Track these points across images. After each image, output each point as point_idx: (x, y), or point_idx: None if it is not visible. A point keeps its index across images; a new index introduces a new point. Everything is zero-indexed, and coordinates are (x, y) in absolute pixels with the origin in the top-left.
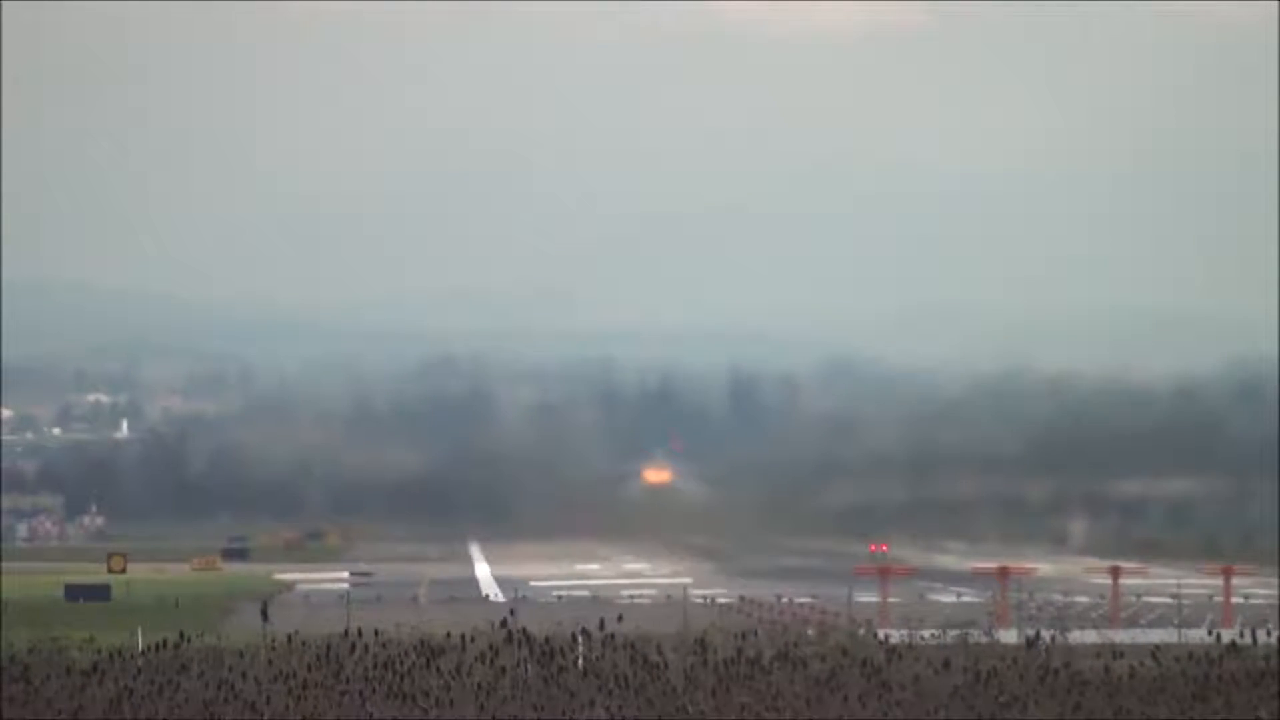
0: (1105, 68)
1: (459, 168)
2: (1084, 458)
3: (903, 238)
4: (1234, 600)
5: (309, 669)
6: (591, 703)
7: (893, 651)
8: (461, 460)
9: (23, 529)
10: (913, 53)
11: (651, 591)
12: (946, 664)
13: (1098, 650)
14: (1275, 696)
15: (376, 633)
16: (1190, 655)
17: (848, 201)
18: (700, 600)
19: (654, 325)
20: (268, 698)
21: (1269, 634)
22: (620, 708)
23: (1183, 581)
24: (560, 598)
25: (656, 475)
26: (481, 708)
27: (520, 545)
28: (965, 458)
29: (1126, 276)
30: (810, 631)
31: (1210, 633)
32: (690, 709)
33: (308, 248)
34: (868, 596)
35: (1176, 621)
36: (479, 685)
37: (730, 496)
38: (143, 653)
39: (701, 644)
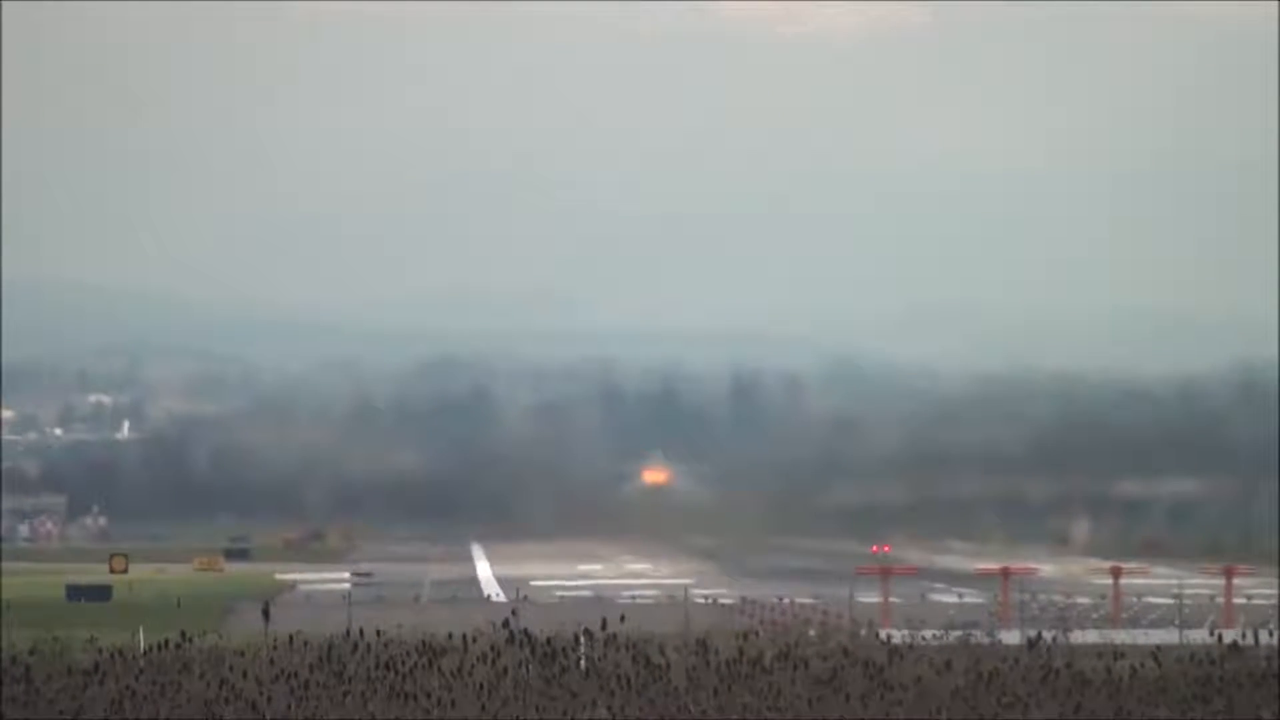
0: (1106, 68)
1: (460, 168)
2: (1086, 458)
3: (904, 238)
4: (1236, 601)
5: (310, 669)
6: (593, 703)
7: (894, 652)
8: (463, 460)
9: (24, 529)
10: (913, 53)
11: (653, 592)
12: (948, 664)
13: (1099, 651)
14: (1277, 698)
15: (378, 633)
16: (1192, 656)
17: (849, 201)
18: (702, 601)
19: (656, 325)
20: (269, 698)
21: (1271, 634)
22: (622, 708)
23: (1184, 582)
24: (562, 598)
25: (655, 476)
26: (483, 708)
27: (522, 545)
28: (967, 458)
29: (1129, 277)
30: (812, 632)
31: (1212, 633)
32: (692, 709)
33: (310, 248)
34: (869, 597)
35: (1178, 622)
36: (481, 685)
37: (732, 497)
38: (144, 653)
39: (703, 644)
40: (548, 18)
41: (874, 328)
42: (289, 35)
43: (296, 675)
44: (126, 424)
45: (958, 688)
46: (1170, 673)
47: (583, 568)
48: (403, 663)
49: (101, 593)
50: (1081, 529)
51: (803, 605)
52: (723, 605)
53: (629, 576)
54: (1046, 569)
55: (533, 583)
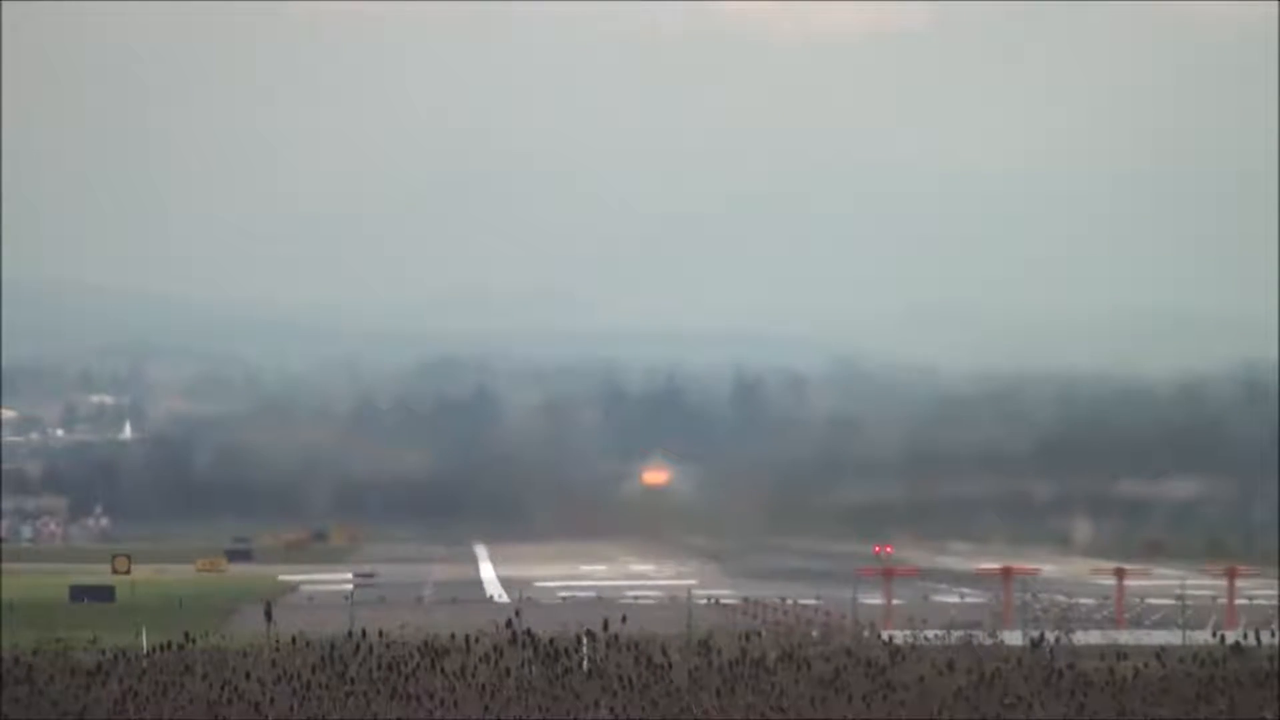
0: (1106, 68)
1: (461, 167)
2: (1088, 458)
3: (906, 237)
4: (1238, 601)
5: (313, 670)
6: (596, 703)
7: (897, 652)
8: (466, 461)
9: (27, 530)
10: (914, 53)
11: (656, 592)
12: (951, 665)
13: (1102, 651)
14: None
15: (381, 634)
16: (1195, 656)
17: (851, 201)
18: (704, 601)
19: (658, 325)
20: (272, 698)
21: (1273, 635)
22: (625, 708)
23: (1187, 582)
24: (565, 599)
25: (654, 477)
26: (486, 709)
27: (524, 546)
28: (969, 458)
29: (1131, 276)
30: (814, 632)
31: (1214, 634)
32: (695, 709)
33: (312, 248)
34: (872, 598)
35: (1181, 622)
36: (483, 686)
37: (734, 497)
38: (147, 654)
39: (706, 645)
40: (548, 18)
41: (875, 327)
42: (290, 35)
43: (299, 676)
44: (129, 425)
45: (960, 688)
46: (1173, 673)
47: (585, 568)
48: (405, 663)
49: (104, 593)
50: (1083, 529)
51: (805, 606)
52: (725, 606)
53: (631, 577)
54: (1049, 569)
55: (535, 583)
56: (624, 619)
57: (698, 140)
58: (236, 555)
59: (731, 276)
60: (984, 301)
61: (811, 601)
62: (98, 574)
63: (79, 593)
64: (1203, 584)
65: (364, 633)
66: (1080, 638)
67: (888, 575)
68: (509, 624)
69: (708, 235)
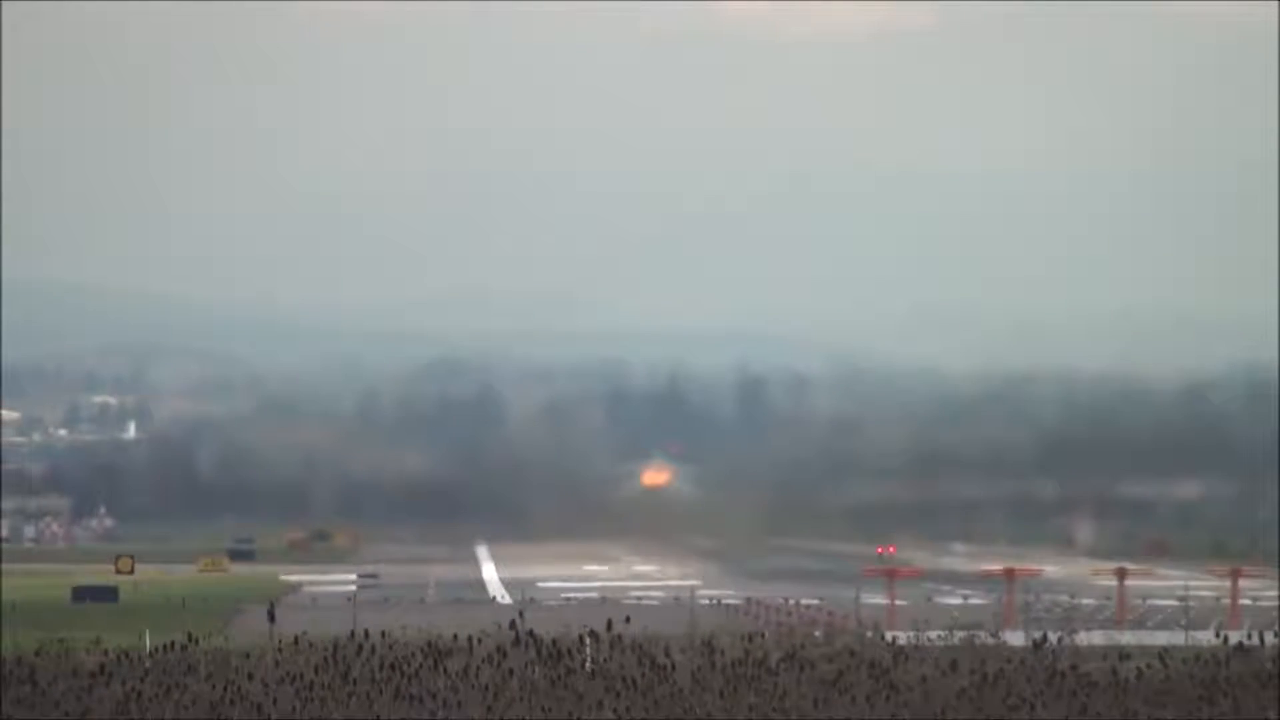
0: (1106, 68)
1: (465, 168)
2: (1091, 459)
3: (908, 237)
4: (1241, 602)
5: (316, 670)
6: (599, 704)
7: (900, 653)
8: (469, 461)
9: (30, 530)
10: (917, 54)
11: (659, 593)
12: (954, 665)
13: (1104, 652)
14: None
15: (384, 634)
16: (1198, 657)
17: (854, 201)
18: (707, 602)
19: (660, 325)
20: (275, 699)
21: (1277, 636)
22: (628, 709)
23: (1190, 583)
24: (568, 599)
25: (654, 477)
26: (489, 709)
27: (528, 547)
28: (972, 459)
29: (1133, 277)
30: (818, 633)
31: (1218, 634)
32: (698, 710)
33: (315, 248)
34: (875, 598)
35: (1184, 623)
36: (486, 687)
37: (737, 498)
38: (150, 654)
39: (709, 645)
40: (549, 18)
41: (878, 328)
42: (290, 35)
43: (302, 676)
44: (132, 425)
45: (963, 689)
46: (1176, 674)
47: (588, 569)
48: (408, 664)
49: (107, 594)
50: (1086, 530)
51: (808, 607)
52: (728, 606)
53: (634, 578)
54: (1051, 570)
55: (538, 584)
56: (627, 619)
57: (700, 140)
58: (239, 555)
59: (734, 276)
60: (986, 302)
61: (815, 602)
62: (100, 574)
63: (82, 593)
64: (1205, 585)
65: (367, 633)
66: (1083, 638)
67: (891, 576)
68: (512, 625)
69: (710, 235)
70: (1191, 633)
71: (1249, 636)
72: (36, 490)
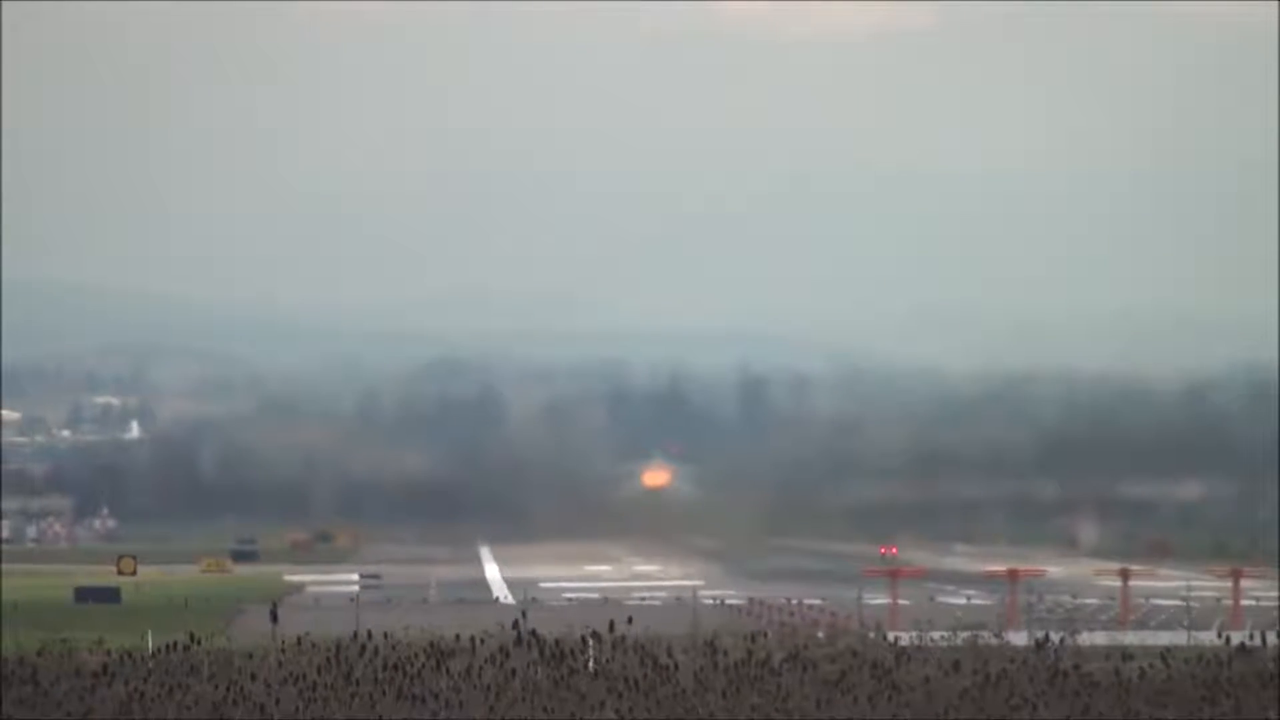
0: (1106, 68)
1: (466, 168)
2: (1093, 459)
3: (909, 237)
4: (1243, 602)
5: (319, 671)
6: (602, 704)
7: (902, 653)
8: (471, 462)
9: (32, 531)
10: (917, 54)
11: (661, 593)
12: (956, 666)
13: (1107, 652)
14: None
15: (386, 635)
16: (1200, 657)
17: (855, 201)
18: (710, 602)
19: (661, 326)
20: (277, 700)
21: (1278, 636)
22: (630, 710)
23: (1192, 583)
24: (570, 600)
25: (654, 478)
26: (491, 709)
27: (529, 547)
28: (974, 459)
29: (1133, 277)
30: (820, 633)
31: (1220, 635)
32: (701, 711)
33: (315, 248)
34: (877, 599)
35: (1186, 623)
36: (489, 687)
37: (739, 498)
38: (152, 655)
39: (712, 646)
40: (549, 17)
41: (878, 328)
42: (290, 35)
43: (305, 677)
44: (135, 425)
45: (966, 689)
46: (1178, 674)
47: (590, 569)
48: (411, 664)
49: (110, 594)
50: (1088, 530)
51: (811, 607)
52: (731, 607)
53: (636, 578)
54: (1053, 571)
55: (540, 584)
56: (630, 620)
57: (700, 140)
58: (241, 556)
59: (734, 276)
60: (986, 302)
61: (817, 602)
62: (103, 575)
63: (84, 594)
64: (1208, 585)
65: (369, 634)
66: (1085, 639)
67: (893, 576)
68: (514, 625)
69: (710, 235)
70: (1194, 633)
71: (1251, 637)
72: (38, 490)
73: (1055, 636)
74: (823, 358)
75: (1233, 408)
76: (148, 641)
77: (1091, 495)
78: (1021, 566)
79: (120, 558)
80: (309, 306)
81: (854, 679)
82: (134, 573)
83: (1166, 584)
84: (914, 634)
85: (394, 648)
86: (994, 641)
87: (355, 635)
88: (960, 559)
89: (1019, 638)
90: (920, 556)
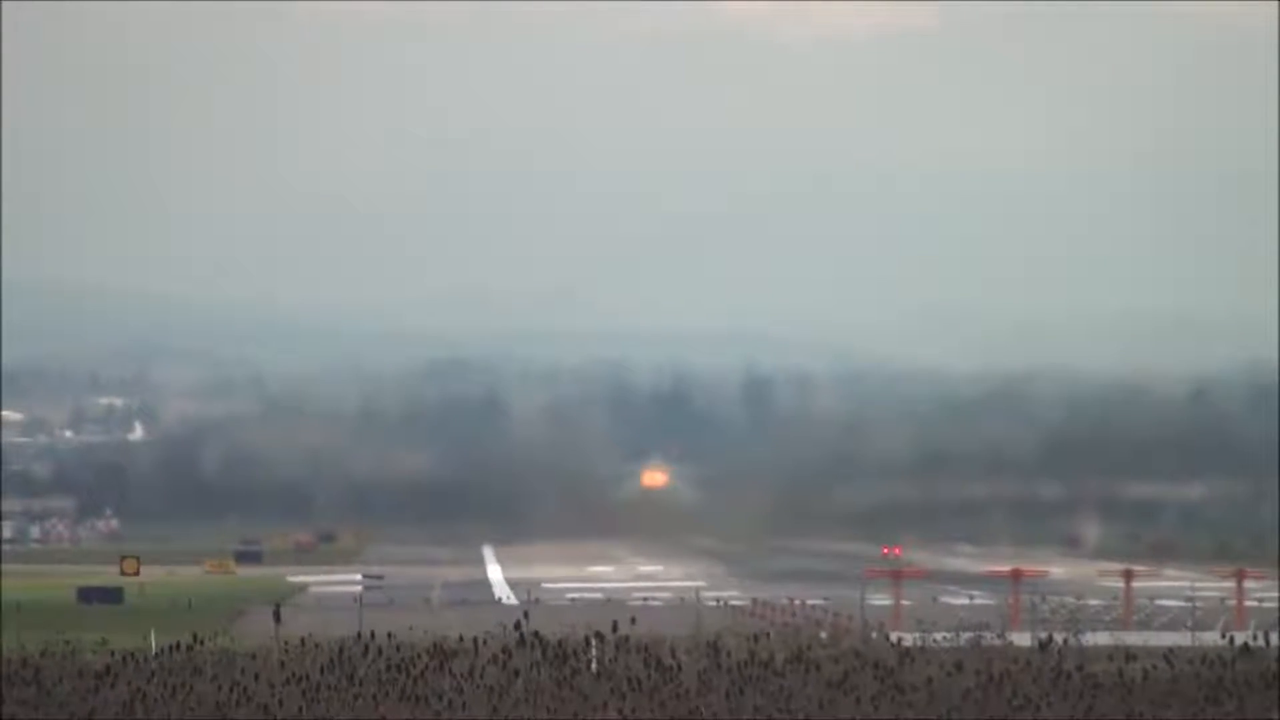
0: (1107, 68)
1: (469, 168)
2: (1096, 460)
3: (911, 238)
4: (1247, 603)
5: (322, 671)
6: (604, 705)
7: (905, 654)
8: (474, 462)
9: (35, 531)
10: (917, 54)
11: (664, 594)
12: (959, 666)
13: (1110, 653)
14: None
15: (389, 635)
16: (1203, 658)
17: (856, 202)
18: (713, 603)
19: (663, 326)
20: (280, 700)
21: None
22: (633, 710)
23: (1195, 584)
24: (573, 600)
25: (653, 478)
26: (494, 710)
27: (532, 547)
28: (976, 460)
29: (1134, 277)
30: (823, 634)
31: (1223, 635)
32: (704, 711)
33: (319, 249)
34: (880, 599)
35: (1189, 624)
36: (492, 687)
37: (742, 498)
38: (155, 655)
39: (715, 646)
40: (551, 18)
41: (881, 329)
42: (290, 35)
43: (308, 677)
44: (138, 426)
45: (969, 689)
46: (1182, 674)
47: (593, 570)
48: (414, 665)
49: (113, 595)
50: (1091, 531)
51: (814, 607)
52: (734, 607)
53: (639, 578)
54: (1056, 571)
55: (543, 585)
56: (633, 620)
57: (702, 140)
58: (245, 557)
59: (737, 277)
60: (988, 302)
61: (820, 603)
62: (106, 576)
63: (87, 594)
64: (1211, 585)
65: (373, 634)
66: (1088, 639)
67: (896, 577)
68: (517, 626)
69: (713, 236)
70: (1197, 633)
71: (1254, 637)
72: (41, 491)
73: (1058, 637)
74: (824, 358)
75: (1234, 408)
76: (151, 642)
77: (1093, 495)
78: (1024, 567)
79: (123, 558)
80: (310, 307)
81: (857, 680)
82: (137, 573)
83: (1170, 584)
84: (917, 634)
85: (397, 648)
86: (997, 642)
87: (358, 636)
88: (963, 559)
89: (1022, 638)
90: (923, 557)
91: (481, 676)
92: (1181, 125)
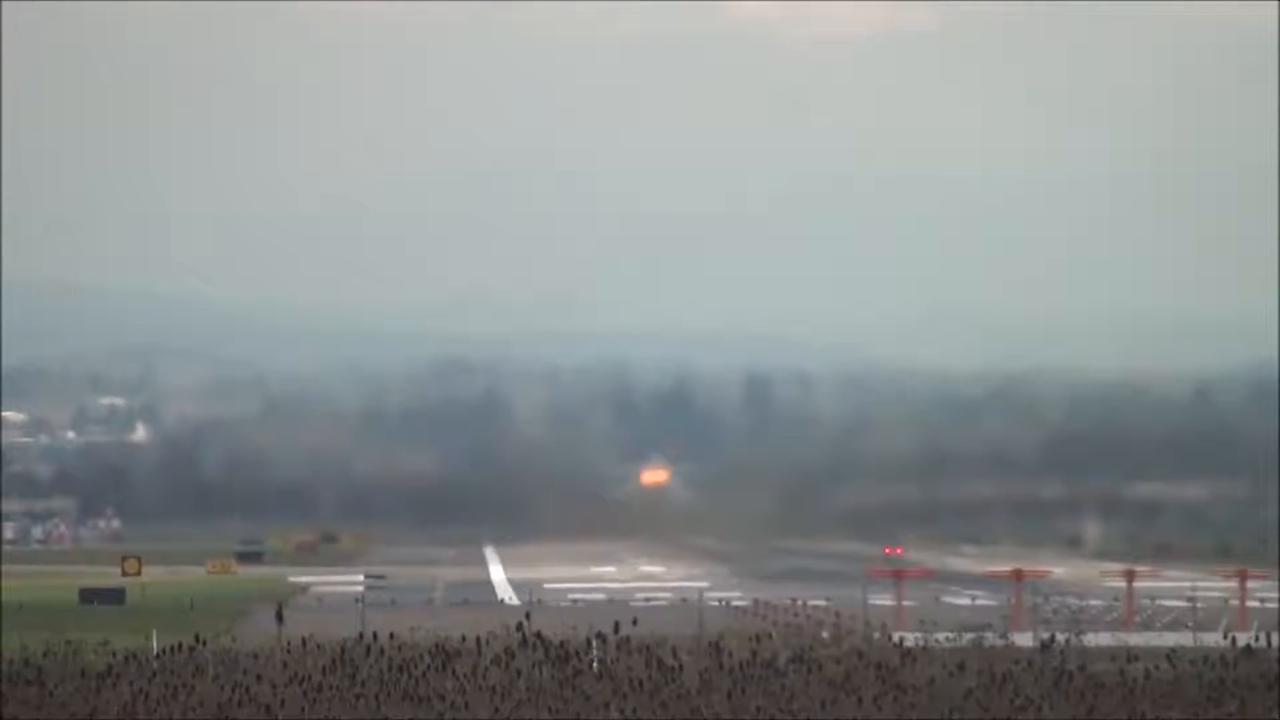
0: (1107, 68)
1: (471, 169)
2: (1098, 460)
3: (911, 238)
4: (1249, 603)
5: (324, 672)
6: (606, 705)
7: (908, 654)
8: (476, 463)
9: (37, 532)
10: (917, 54)
11: (666, 594)
12: (961, 666)
13: (1112, 653)
14: None
15: (391, 636)
16: (1205, 658)
17: (858, 202)
18: (715, 603)
19: (667, 327)
20: (282, 700)
21: None
22: (635, 710)
23: (1197, 585)
24: (575, 601)
25: (653, 477)
26: (496, 710)
27: (534, 548)
28: (979, 460)
29: (1134, 277)
30: (825, 634)
31: (1225, 636)
32: (705, 712)
33: (322, 250)
34: (882, 599)
35: (1191, 625)
36: (494, 688)
37: (744, 499)
38: (157, 656)
39: (717, 647)
40: (552, 18)
41: (883, 329)
42: (290, 35)
43: (310, 678)
44: (140, 427)
45: (971, 689)
46: (1184, 675)
47: (595, 570)
48: (416, 665)
49: (114, 596)
50: (1094, 531)
51: (816, 607)
52: (736, 608)
53: (641, 579)
54: (1059, 571)
55: (545, 585)
56: (635, 621)
57: (704, 141)
58: (247, 557)
59: (739, 278)
60: (990, 302)
61: (822, 603)
62: (107, 576)
63: (89, 595)
64: (1213, 586)
65: (375, 635)
66: (1091, 640)
67: (898, 577)
68: (519, 626)
69: (715, 236)
70: (1199, 634)
71: (1257, 638)
72: (43, 492)
73: (1060, 637)
74: (827, 358)
75: (1236, 408)
76: (153, 642)
77: (1096, 496)
78: (1027, 567)
79: (125, 559)
80: (311, 307)
81: (859, 680)
82: (139, 574)
83: (1171, 585)
84: (919, 635)
85: (399, 649)
86: (999, 642)
87: (360, 636)
88: (965, 559)
89: (1024, 638)
90: (925, 557)
91: (484, 677)
92: (1181, 125)
